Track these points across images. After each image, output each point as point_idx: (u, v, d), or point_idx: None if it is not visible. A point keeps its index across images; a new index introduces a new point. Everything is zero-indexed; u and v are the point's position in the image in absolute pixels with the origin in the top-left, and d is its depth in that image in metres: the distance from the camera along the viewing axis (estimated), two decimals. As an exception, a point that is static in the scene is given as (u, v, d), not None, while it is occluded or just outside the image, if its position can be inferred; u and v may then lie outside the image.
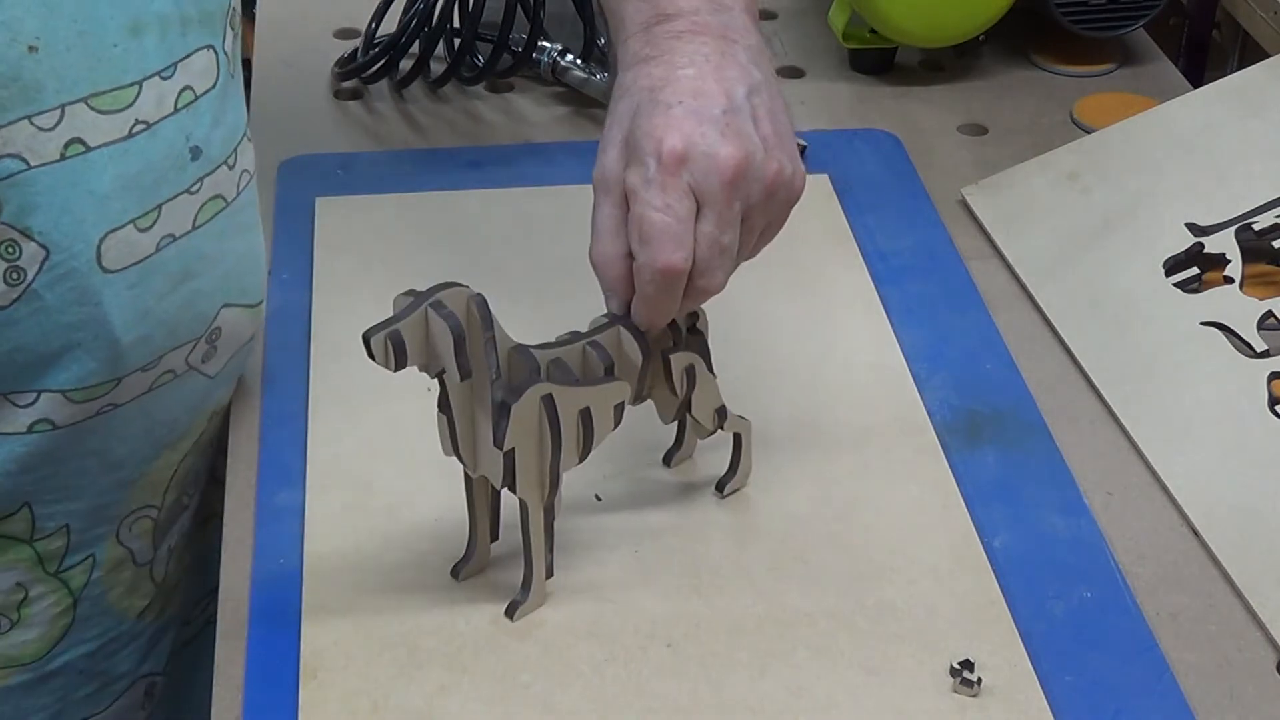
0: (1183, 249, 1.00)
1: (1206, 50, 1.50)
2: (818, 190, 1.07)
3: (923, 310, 1.01)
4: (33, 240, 0.77)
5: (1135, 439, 0.92)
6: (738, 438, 0.87)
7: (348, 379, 0.94)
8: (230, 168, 0.86)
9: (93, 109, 0.77)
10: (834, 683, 0.77)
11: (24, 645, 0.89)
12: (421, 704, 0.76)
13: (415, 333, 0.73)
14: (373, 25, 1.26)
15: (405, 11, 1.22)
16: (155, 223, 0.81)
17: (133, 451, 0.88)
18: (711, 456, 0.89)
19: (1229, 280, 0.98)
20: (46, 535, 0.87)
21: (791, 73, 1.28)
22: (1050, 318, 1.01)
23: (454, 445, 0.77)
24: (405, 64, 1.23)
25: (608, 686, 0.77)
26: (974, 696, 0.76)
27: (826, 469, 0.89)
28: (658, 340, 0.81)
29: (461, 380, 0.74)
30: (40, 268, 0.78)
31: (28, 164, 0.76)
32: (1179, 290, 0.98)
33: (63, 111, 0.76)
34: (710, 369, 0.83)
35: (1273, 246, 0.99)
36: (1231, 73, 1.15)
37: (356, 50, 1.25)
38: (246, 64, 0.92)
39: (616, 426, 0.80)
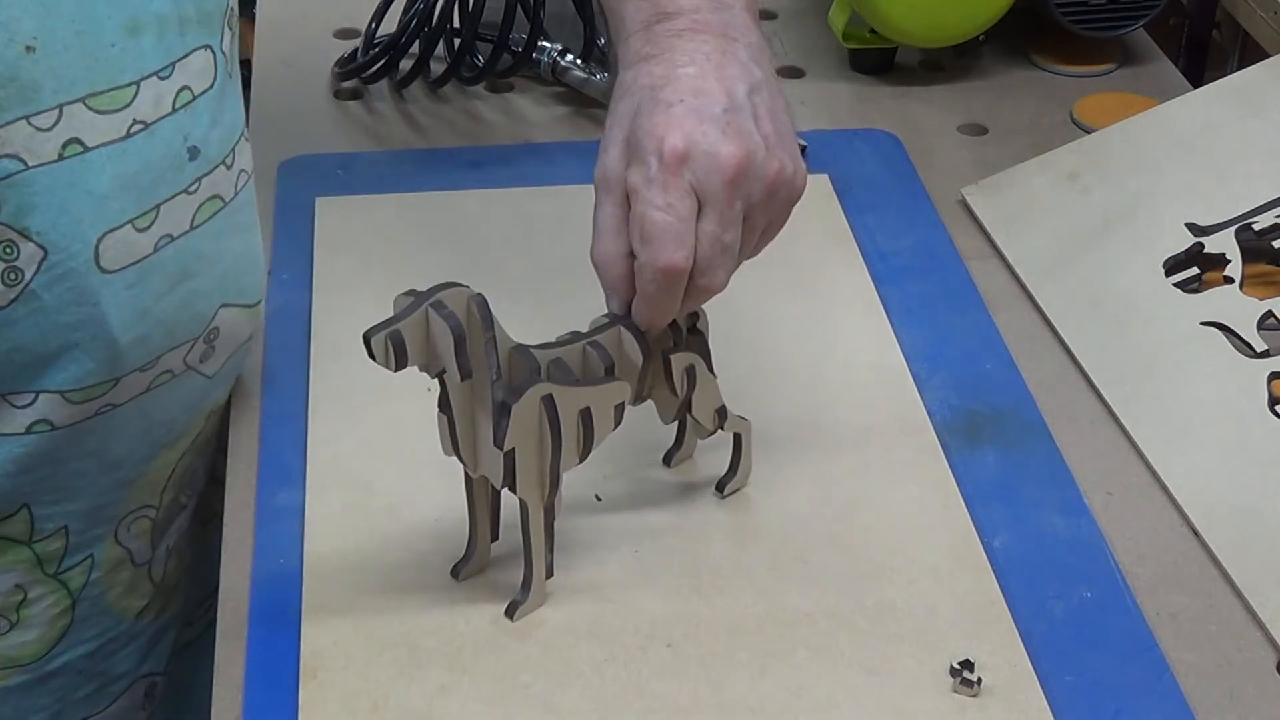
0: (1183, 249, 1.00)
1: (1206, 50, 1.50)
2: (818, 190, 1.07)
3: (923, 310, 1.01)
4: (31, 240, 0.77)
5: (1135, 439, 0.92)
6: (738, 438, 0.87)
7: (348, 379, 0.94)
8: (228, 168, 0.86)
9: (90, 109, 0.77)
10: (834, 683, 0.77)
11: (23, 646, 0.89)
12: (421, 704, 0.76)
13: (416, 333, 0.73)
14: (373, 25, 1.26)
15: (405, 11, 1.22)
16: (153, 223, 0.81)
17: (131, 452, 0.88)
18: (711, 456, 0.89)
19: (1229, 280, 0.98)
20: (45, 537, 0.87)
21: (791, 73, 1.28)
22: (1050, 318, 1.00)
23: (454, 445, 0.77)
24: (405, 64, 1.23)
25: (608, 686, 0.77)
26: (974, 696, 0.76)
27: (826, 469, 0.89)
28: (658, 340, 0.81)
29: (462, 380, 0.74)
30: (38, 268, 0.78)
31: (26, 164, 0.76)
32: (1179, 290, 0.98)
33: (60, 111, 0.76)
34: (711, 369, 0.83)
35: (1273, 246, 0.99)
36: (1231, 73, 1.15)
37: (356, 50, 1.25)
38: (246, 64, 0.92)
39: (617, 426, 0.80)
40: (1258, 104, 1.06)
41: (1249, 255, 0.99)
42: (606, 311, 0.80)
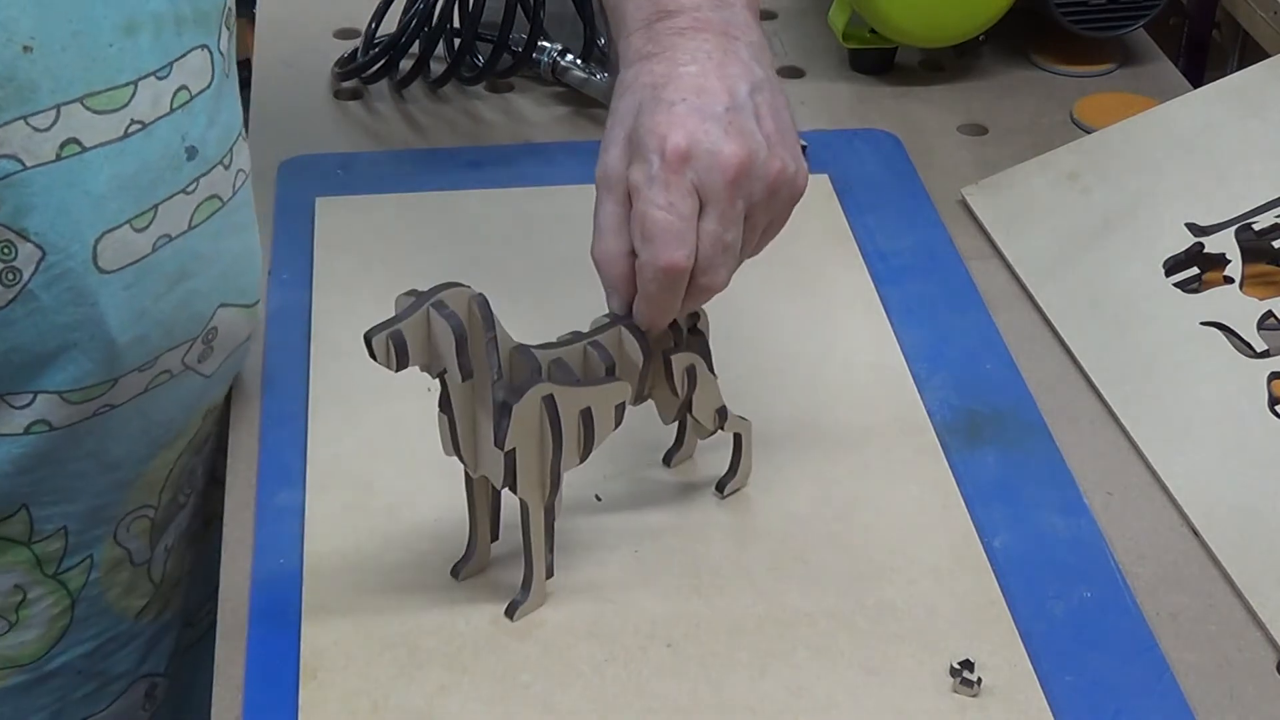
0: (1183, 249, 1.00)
1: (1206, 50, 1.50)
2: (818, 190, 1.07)
3: (923, 310, 1.01)
4: (29, 241, 0.77)
5: (1135, 439, 0.92)
6: (738, 438, 0.87)
7: (348, 379, 0.94)
8: (226, 167, 0.86)
9: (88, 109, 0.77)
10: (834, 683, 0.77)
11: (22, 646, 0.89)
12: (421, 704, 0.76)
13: (417, 333, 0.73)
14: (373, 25, 1.26)
15: (405, 11, 1.22)
16: (151, 223, 0.81)
17: (130, 452, 0.88)
18: (711, 456, 0.89)
19: (1229, 280, 0.98)
20: (45, 537, 0.87)
21: (791, 73, 1.28)
22: (1050, 318, 1.00)
23: (455, 445, 0.77)
24: (405, 64, 1.23)
25: (608, 686, 0.77)
26: (974, 696, 0.76)
27: (826, 469, 0.89)
28: (659, 340, 0.81)
29: (463, 380, 0.74)
30: (36, 268, 0.78)
31: (23, 164, 0.76)
32: (1179, 290, 0.98)
33: (58, 112, 0.76)
34: (711, 369, 0.83)
35: (1273, 246, 0.99)
36: (1231, 73, 1.15)
37: (356, 50, 1.25)
38: (246, 64, 0.92)
39: (617, 427, 0.80)
40: (1258, 104, 1.06)
41: (1249, 255, 0.99)
42: (607, 311, 0.80)
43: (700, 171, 0.77)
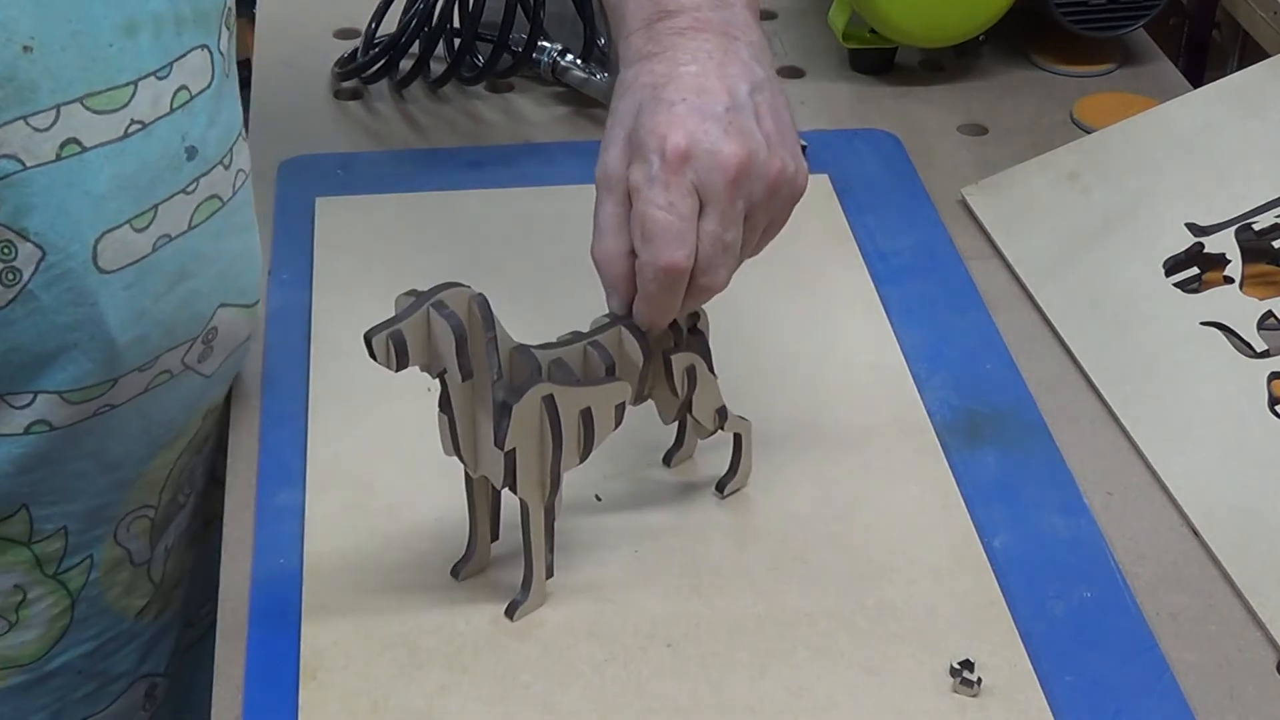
0: (1183, 249, 1.00)
1: (1206, 50, 1.50)
2: (818, 190, 1.07)
3: (923, 310, 1.01)
4: (28, 241, 0.77)
5: (1135, 439, 0.92)
6: (738, 438, 0.87)
7: (348, 379, 0.94)
8: (226, 167, 0.86)
9: (88, 109, 0.77)
10: (834, 683, 0.77)
11: (22, 646, 0.89)
12: (421, 704, 0.76)
13: (417, 333, 0.73)
14: (373, 25, 1.26)
15: (405, 11, 1.22)
16: (151, 223, 0.81)
17: (130, 452, 0.88)
18: (711, 456, 0.89)
19: (1229, 280, 0.98)
20: (45, 538, 0.87)
21: (791, 73, 1.28)
22: (1050, 318, 1.00)
23: (455, 445, 0.77)
24: (405, 64, 1.23)
25: (608, 686, 0.77)
26: (974, 696, 0.76)
27: (826, 469, 0.89)
28: (659, 340, 0.81)
29: (463, 380, 0.74)
30: (36, 268, 0.78)
31: (23, 164, 0.76)
32: (1179, 290, 0.98)
33: (58, 112, 0.76)
34: (711, 369, 0.83)
35: (1273, 246, 0.99)
36: (1231, 73, 1.15)
37: (356, 50, 1.25)
38: (246, 64, 0.92)
39: (617, 427, 0.80)
40: (1258, 104, 1.06)
41: (1249, 255, 0.99)
42: (607, 311, 0.80)
43: (700, 171, 0.77)
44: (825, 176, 1.12)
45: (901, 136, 1.18)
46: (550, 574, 0.81)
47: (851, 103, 1.24)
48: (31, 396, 0.82)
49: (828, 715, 0.76)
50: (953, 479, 0.88)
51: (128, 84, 0.79)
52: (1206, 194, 1.02)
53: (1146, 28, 1.28)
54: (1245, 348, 0.94)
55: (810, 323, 1.00)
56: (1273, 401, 0.90)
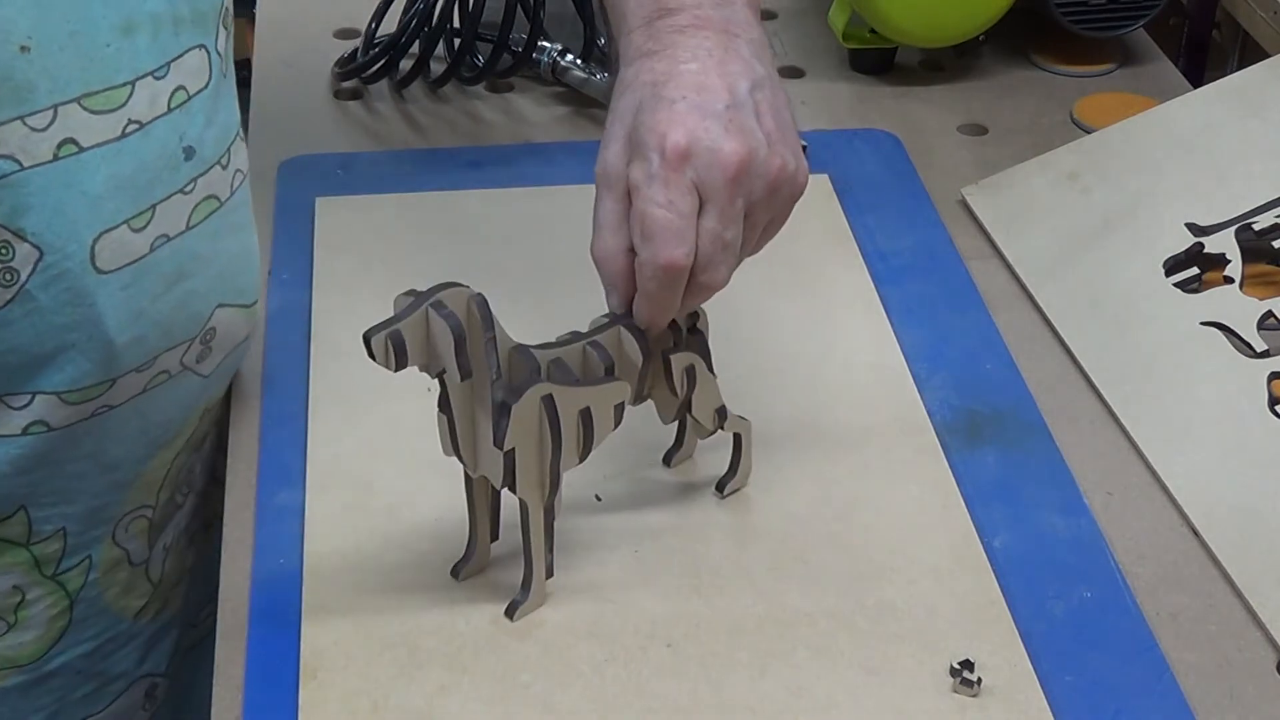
0: (1183, 249, 1.00)
1: (1206, 50, 1.50)
2: (818, 190, 1.07)
3: (923, 310, 1.01)
4: (26, 241, 0.77)
5: (1135, 439, 0.91)
6: (738, 438, 0.87)
7: (348, 379, 0.94)
8: (224, 168, 0.86)
9: (85, 109, 0.77)
10: (834, 683, 0.77)
11: (21, 647, 0.89)
12: (421, 704, 0.76)
13: (416, 333, 0.73)
14: (373, 25, 1.26)
15: (405, 11, 1.22)
16: (149, 223, 0.81)
17: (128, 452, 0.88)
18: (711, 456, 0.89)
19: (1229, 280, 0.98)
20: (44, 539, 0.87)
21: (791, 73, 1.28)
22: (1050, 318, 1.00)
23: (454, 445, 0.77)
24: (405, 64, 1.23)
25: (608, 686, 0.77)
26: (974, 696, 0.76)
27: (826, 469, 0.89)
28: (658, 340, 0.81)
29: (462, 380, 0.74)
30: (34, 269, 0.78)
31: (21, 165, 0.75)
32: (1179, 290, 0.98)
33: (55, 112, 0.76)
34: (711, 369, 0.83)
35: (1273, 246, 0.99)
36: (1231, 73, 1.15)
37: (356, 50, 1.25)
38: (246, 64, 0.92)
39: (617, 426, 0.80)
40: (1258, 104, 1.06)
41: (1249, 255, 0.99)
42: (606, 311, 0.80)
43: (700, 169, 0.77)
44: (825, 176, 1.12)
45: (901, 136, 1.18)
46: (550, 574, 0.81)
47: (851, 103, 1.24)
48: (29, 397, 0.82)
49: (828, 715, 0.76)
50: (953, 479, 0.88)
51: (125, 84, 0.78)
52: (1206, 194, 1.02)
53: (1146, 28, 1.28)
54: (1245, 348, 0.94)
55: (810, 323, 1.00)
56: (1273, 401, 0.90)
